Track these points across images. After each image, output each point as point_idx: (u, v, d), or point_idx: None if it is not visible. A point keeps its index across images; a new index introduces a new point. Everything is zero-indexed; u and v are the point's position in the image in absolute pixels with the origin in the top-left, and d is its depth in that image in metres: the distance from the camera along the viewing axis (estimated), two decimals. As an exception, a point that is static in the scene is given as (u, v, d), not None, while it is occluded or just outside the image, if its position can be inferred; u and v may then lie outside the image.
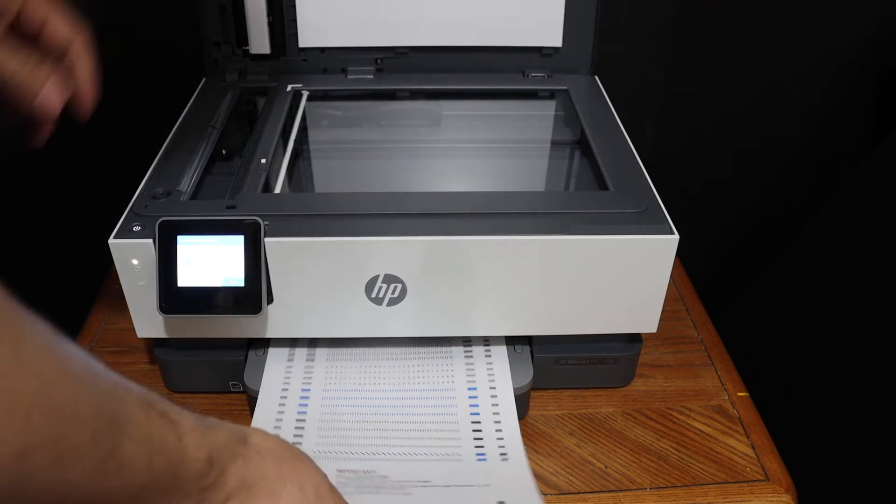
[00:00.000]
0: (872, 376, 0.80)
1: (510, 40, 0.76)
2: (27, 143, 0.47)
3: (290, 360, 0.59)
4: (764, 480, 0.56)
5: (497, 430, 0.54)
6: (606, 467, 0.57)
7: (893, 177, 0.85)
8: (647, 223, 0.54)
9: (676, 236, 0.53)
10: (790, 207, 1.06)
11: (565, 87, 0.76)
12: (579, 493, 0.55)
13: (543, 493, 0.54)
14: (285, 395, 0.56)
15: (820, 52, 0.95)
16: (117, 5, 0.82)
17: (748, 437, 0.59)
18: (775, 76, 0.97)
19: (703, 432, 0.60)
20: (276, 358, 0.59)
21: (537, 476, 0.54)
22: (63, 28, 0.43)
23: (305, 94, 0.75)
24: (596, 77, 0.78)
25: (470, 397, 0.57)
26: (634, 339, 0.61)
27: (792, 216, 1.04)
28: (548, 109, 0.79)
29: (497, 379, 0.58)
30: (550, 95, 0.79)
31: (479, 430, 0.54)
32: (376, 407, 0.56)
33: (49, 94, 0.42)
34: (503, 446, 0.53)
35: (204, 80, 0.77)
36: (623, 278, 0.55)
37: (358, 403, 0.56)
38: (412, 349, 0.60)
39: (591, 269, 0.54)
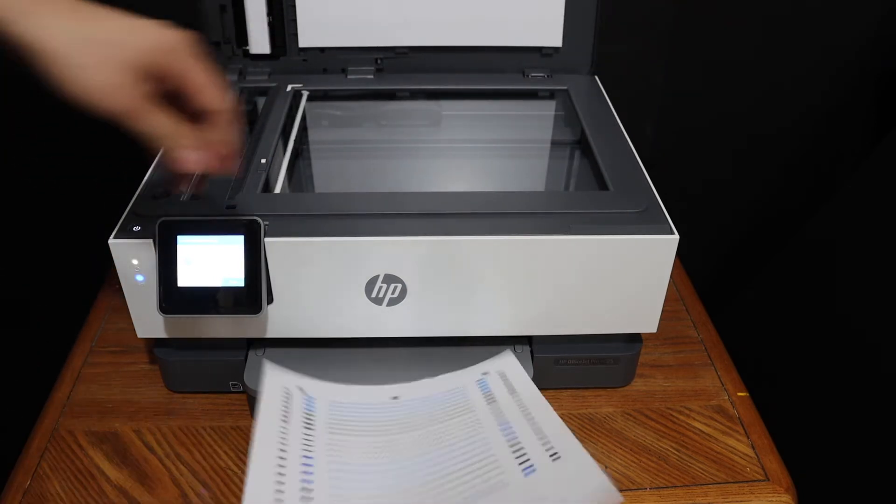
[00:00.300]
0: (872, 376, 0.80)
1: (510, 40, 0.76)
2: (171, 191, 0.53)
3: (283, 455, 0.49)
4: (764, 480, 0.56)
5: (535, 431, 0.50)
6: (606, 467, 0.57)
7: (893, 177, 0.85)
8: (647, 223, 0.54)
9: (676, 236, 0.53)
10: (790, 207, 1.06)
11: (565, 87, 0.76)
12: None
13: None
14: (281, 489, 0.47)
15: (820, 52, 0.95)
16: (117, 5, 0.82)
17: (748, 437, 0.59)
18: (775, 76, 0.97)
19: (703, 432, 0.60)
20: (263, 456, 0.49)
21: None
22: (215, 97, 0.46)
23: (305, 94, 0.75)
24: (596, 77, 0.78)
25: (500, 424, 0.52)
26: (634, 339, 0.61)
27: (792, 216, 1.04)
28: (548, 109, 0.79)
29: (516, 385, 0.55)
30: (550, 95, 0.79)
31: (518, 444, 0.49)
32: (396, 480, 0.49)
33: (190, 157, 0.46)
34: (549, 445, 0.49)
35: (204, 80, 0.76)
36: (623, 278, 0.55)
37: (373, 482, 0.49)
38: (427, 412, 0.54)
39: (591, 269, 0.54)
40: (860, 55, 0.95)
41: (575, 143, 0.72)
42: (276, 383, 0.55)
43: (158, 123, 0.44)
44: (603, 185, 0.60)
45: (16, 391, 0.69)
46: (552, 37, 0.76)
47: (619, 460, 0.57)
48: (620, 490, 0.55)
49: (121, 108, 0.42)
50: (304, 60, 0.77)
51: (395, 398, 0.56)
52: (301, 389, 0.55)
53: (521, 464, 0.48)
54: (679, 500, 0.54)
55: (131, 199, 0.56)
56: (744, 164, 1.05)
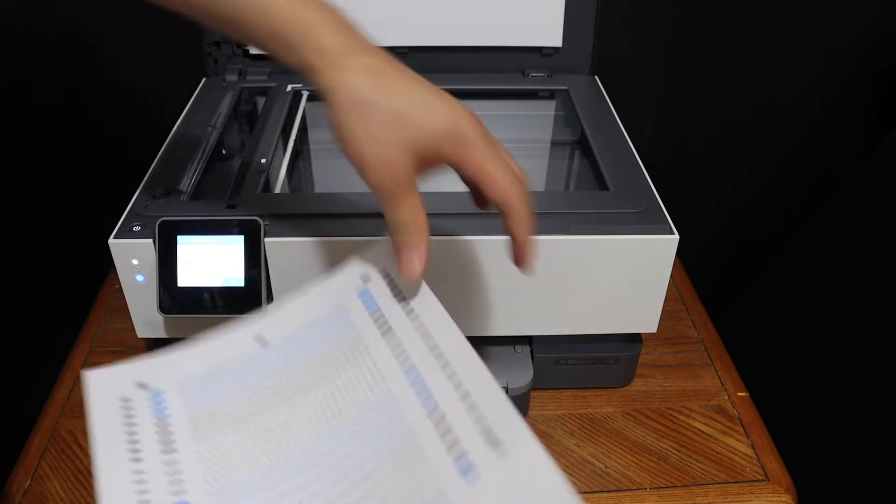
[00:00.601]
0: (873, 376, 0.80)
1: (510, 40, 0.76)
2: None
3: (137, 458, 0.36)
4: (764, 480, 0.56)
5: (468, 408, 0.36)
6: (606, 467, 0.57)
7: (893, 177, 0.85)
8: (646, 223, 0.54)
9: (676, 236, 0.53)
10: (790, 207, 1.06)
11: (565, 87, 0.76)
12: (579, 493, 0.54)
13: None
14: None
15: (820, 52, 0.95)
16: (118, 5, 0.82)
17: (748, 437, 0.59)
18: (775, 76, 0.97)
19: (703, 432, 0.60)
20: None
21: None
22: (507, 189, 0.41)
23: (305, 94, 0.75)
24: (596, 77, 0.78)
25: (413, 385, 0.39)
26: (634, 339, 0.61)
27: (792, 216, 1.04)
28: (548, 109, 0.79)
29: (434, 332, 0.41)
30: (550, 95, 0.79)
31: (441, 417, 0.37)
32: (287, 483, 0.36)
33: (408, 260, 0.42)
34: (484, 424, 0.35)
35: (204, 80, 0.77)
36: (623, 278, 0.55)
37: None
38: (308, 358, 0.42)
39: (591, 269, 0.54)
40: (860, 55, 0.95)
41: (575, 143, 0.72)
42: (104, 402, 0.38)
43: (411, 213, 0.41)
44: (603, 185, 0.60)
45: (16, 391, 0.69)
46: (552, 37, 0.76)
47: (619, 460, 0.57)
48: (620, 490, 0.55)
49: (384, 186, 0.40)
50: (305, 60, 0.77)
51: (259, 340, 0.44)
52: (141, 387, 0.40)
53: (454, 457, 0.35)
54: (679, 500, 0.54)
55: (131, 199, 0.56)
56: (744, 164, 1.05)
